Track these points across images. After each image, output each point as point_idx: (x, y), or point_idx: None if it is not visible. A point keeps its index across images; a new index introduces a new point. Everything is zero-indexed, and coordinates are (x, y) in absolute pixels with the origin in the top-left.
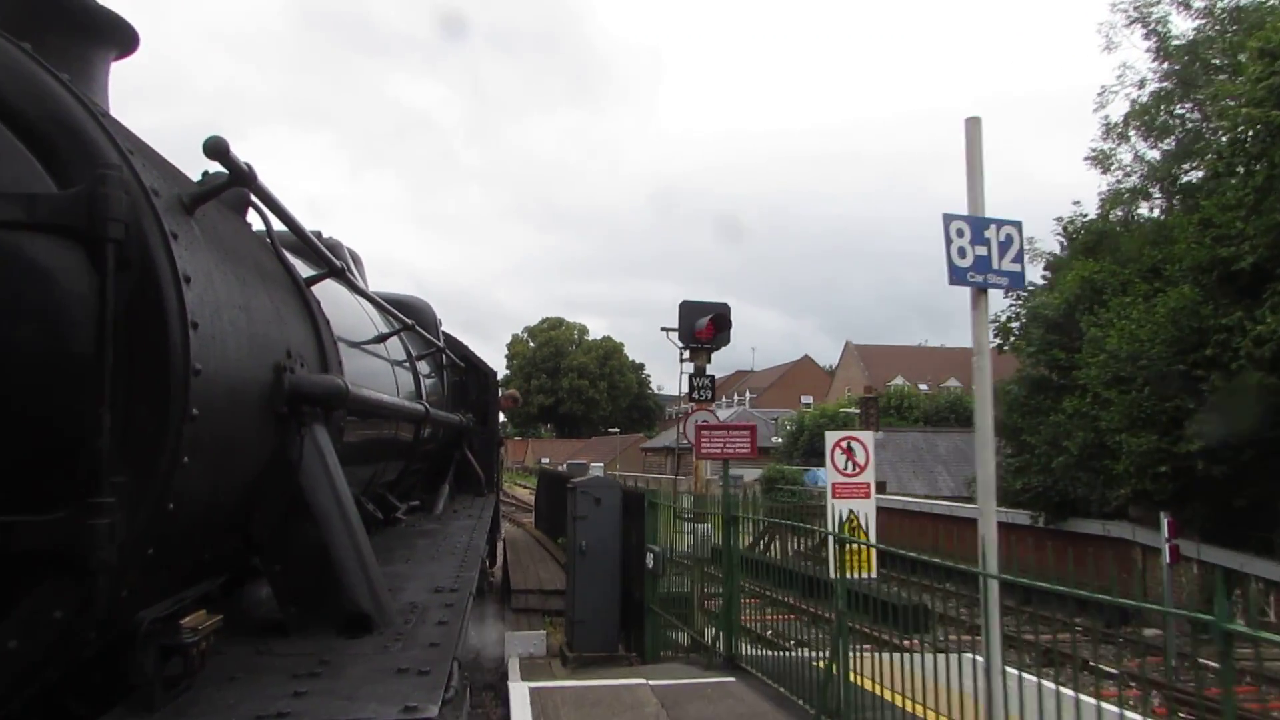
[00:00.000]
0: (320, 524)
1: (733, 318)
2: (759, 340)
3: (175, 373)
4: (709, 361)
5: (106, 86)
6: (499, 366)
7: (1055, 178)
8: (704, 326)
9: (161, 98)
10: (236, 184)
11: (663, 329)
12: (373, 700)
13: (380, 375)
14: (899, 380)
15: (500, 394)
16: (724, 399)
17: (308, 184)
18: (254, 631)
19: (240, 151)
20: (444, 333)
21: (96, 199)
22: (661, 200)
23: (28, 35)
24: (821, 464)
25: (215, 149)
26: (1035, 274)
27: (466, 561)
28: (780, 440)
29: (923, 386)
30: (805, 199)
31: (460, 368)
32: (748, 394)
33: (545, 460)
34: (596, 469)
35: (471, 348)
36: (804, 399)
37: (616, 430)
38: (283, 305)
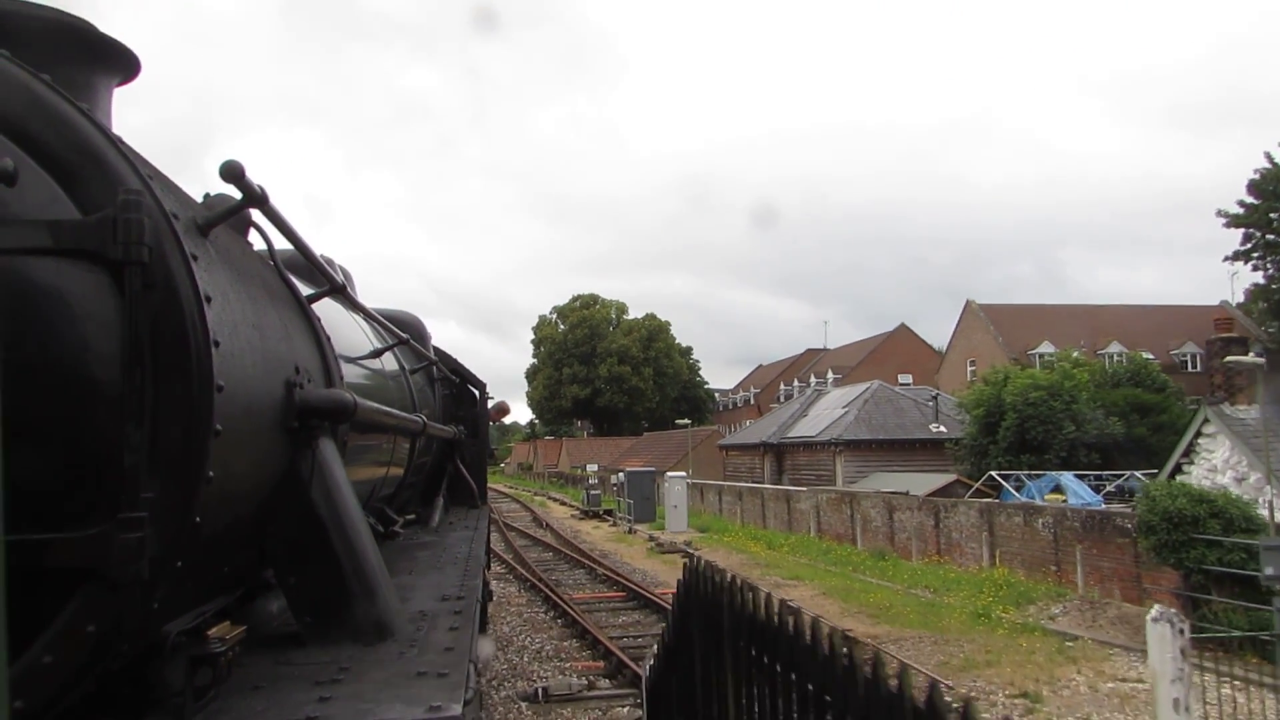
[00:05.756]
0: (332, 535)
1: (751, 308)
2: (781, 329)
3: (201, 390)
4: None
5: (110, 113)
6: (524, 355)
7: (1080, 147)
8: None
9: (149, 96)
10: (251, 206)
11: None
12: (398, 702)
13: (378, 390)
14: (1047, 346)
15: (489, 406)
16: (795, 382)
17: (304, 184)
18: (270, 643)
19: (229, 151)
20: (434, 346)
21: (120, 223)
22: (672, 189)
23: (36, 66)
24: (1049, 466)
25: (231, 172)
26: None
27: (470, 571)
28: (943, 429)
29: (1074, 354)
30: (824, 182)
31: (452, 381)
32: (829, 375)
33: (593, 468)
34: (677, 480)
35: (488, 347)
36: (902, 378)
37: (688, 422)
38: (289, 323)
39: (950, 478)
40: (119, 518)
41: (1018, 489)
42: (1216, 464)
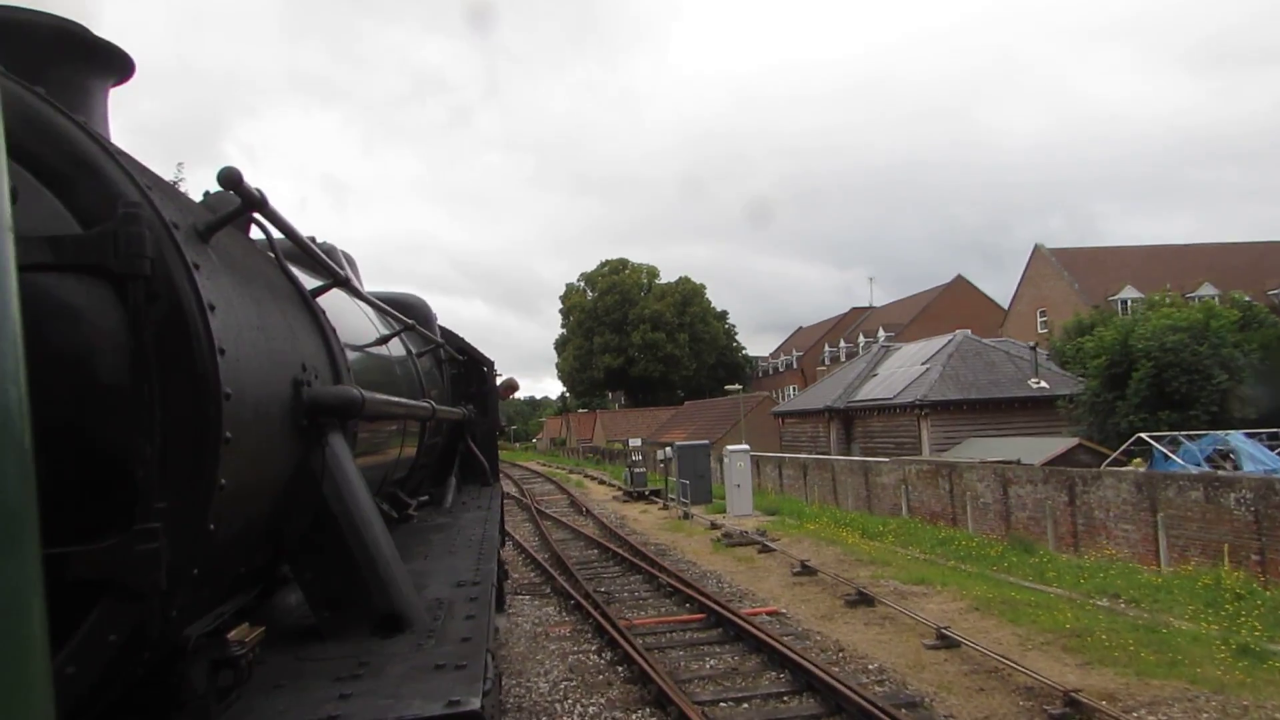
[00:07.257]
0: (345, 530)
1: (776, 273)
2: (809, 293)
3: (209, 399)
4: None
5: (106, 116)
6: (552, 329)
7: (1109, 93)
8: None
9: (165, 85)
10: (249, 210)
11: None
12: (417, 697)
13: (386, 378)
14: (1130, 291)
15: (498, 383)
16: (841, 343)
17: (322, 163)
18: (290, 639)
19: (245, 132)
20: (440, 326)
21: (121, 237)
22: (690, 156)
23: (32, 71)
24: (1195, 424)
25: (229, 179)
26: None
27: (484, 554)
28: (1044, 384)
29: (1164, 298)
30: (846, 141)
31: (459, 360)
32: (880, 333)
33: (635, 442)
34: (738, 454)
35: (515, 323)
36: (961, 333)
37: (739, 388)
38: (294, 320)
39: (1068, 442)
40: (134, 529)
41: (1172, 452)
42: None
